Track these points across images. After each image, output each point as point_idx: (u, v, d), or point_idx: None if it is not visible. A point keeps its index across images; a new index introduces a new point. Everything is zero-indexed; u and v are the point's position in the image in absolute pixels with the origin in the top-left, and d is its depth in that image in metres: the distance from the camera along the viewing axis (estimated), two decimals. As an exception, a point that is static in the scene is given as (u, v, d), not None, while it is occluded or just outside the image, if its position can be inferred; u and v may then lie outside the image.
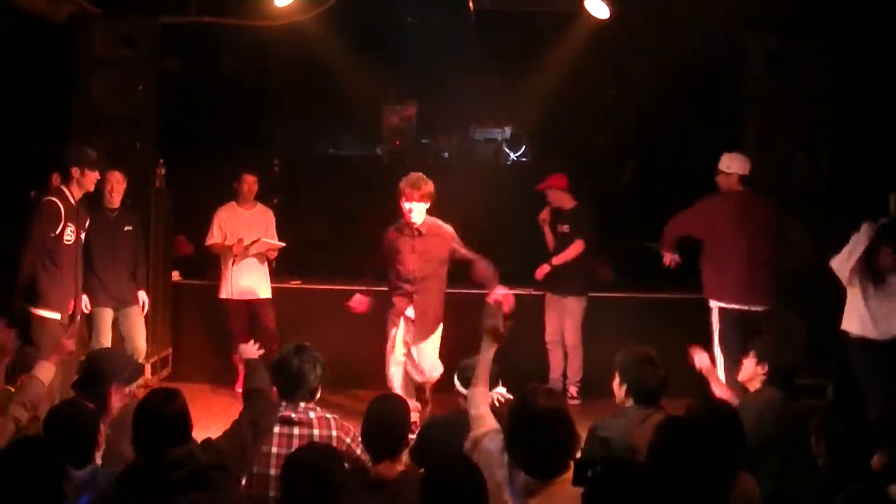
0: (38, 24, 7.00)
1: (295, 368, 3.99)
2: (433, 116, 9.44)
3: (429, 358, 6.14)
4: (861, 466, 3.38)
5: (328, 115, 9.13)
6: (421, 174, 6.05)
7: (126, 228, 6.59)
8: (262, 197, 7.49)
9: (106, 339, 6.43)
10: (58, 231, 5.48)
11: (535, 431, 3.17)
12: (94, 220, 6.35)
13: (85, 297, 6.26)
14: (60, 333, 5.48)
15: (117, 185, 6.45)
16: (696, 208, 6.30)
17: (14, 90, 6.90)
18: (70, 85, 7.15)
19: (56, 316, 5.54)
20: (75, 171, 5.58)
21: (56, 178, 5.72)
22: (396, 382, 6.16)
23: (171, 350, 7.64)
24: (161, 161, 7.37)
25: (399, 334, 6.18)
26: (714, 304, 6.23)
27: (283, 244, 7.32)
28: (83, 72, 7.15)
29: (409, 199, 5.96)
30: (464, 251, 6.12)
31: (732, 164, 6.21)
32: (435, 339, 6.21)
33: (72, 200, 5.57)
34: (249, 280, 7.23)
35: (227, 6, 7.40)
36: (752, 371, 4.45)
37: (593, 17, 7.15)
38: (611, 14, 7.06)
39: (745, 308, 6.09)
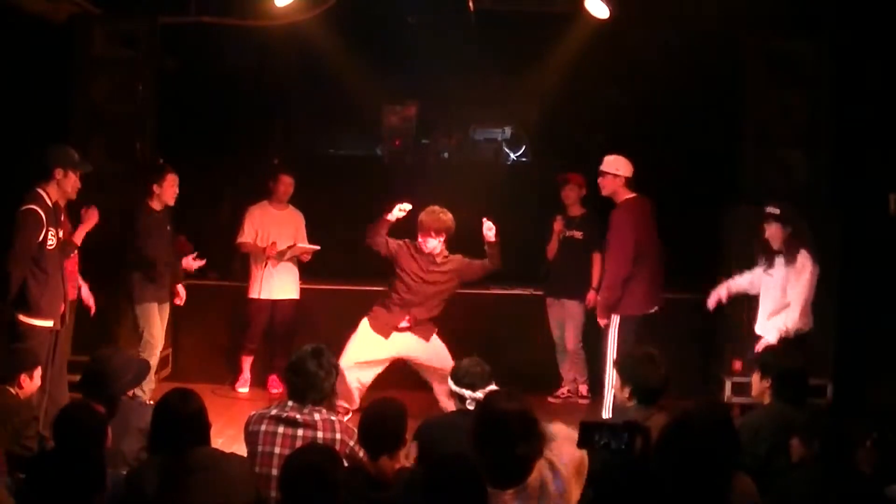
0: (38, 25, 6.99)
1: (311, 372, 3.99)
2: (433, 116, 9.44)
3: (446, 358, 6.31)
4: (849, 466, 3.39)
5: (328, 115, 9.12)
6: (442, 208, 6.37)
7: (168, 227, 6.72)
8: (261, 196, 7.50)
9: (159, 333, 6.56)
10: (41, 238, 5.40)
11: (500, 433, 3.20)
12: (147, 221, 6.47)
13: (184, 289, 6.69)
14: (50, 340, 5.47)
15: (175, 187, 6.60)
16: (627, 234, 6.18)
17: (14, 90, 6.89)
18: (70, 85, 7.14)
19: (48, 324, 5.49)
20: (59, 172, 5.49)
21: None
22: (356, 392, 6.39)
23: (171, 350, 7.64)
24: (161, 161, 7.36)
25: (386, 348, 6.38)
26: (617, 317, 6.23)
27: (318, 247, 7.32)
28: (83, 72, 7.14)
29: (428, 235, 6.29)
30: (473, 266, 6.45)
31: (622, 167, 6.29)
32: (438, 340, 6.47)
33: (49, 203, 5.46)
34: (280, 281, 7.30)
35: (227, 6, 7.39)
36: (759, 386, 4.44)
37: (593, 17, 7.15)
38: (611, 14, 7.05)
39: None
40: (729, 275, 6.88)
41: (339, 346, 6.60)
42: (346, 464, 3.71)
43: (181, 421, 3.49)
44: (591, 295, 7.17)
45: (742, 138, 7.09)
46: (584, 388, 7.34)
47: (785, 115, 6.99)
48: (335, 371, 4.08)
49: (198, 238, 7.58)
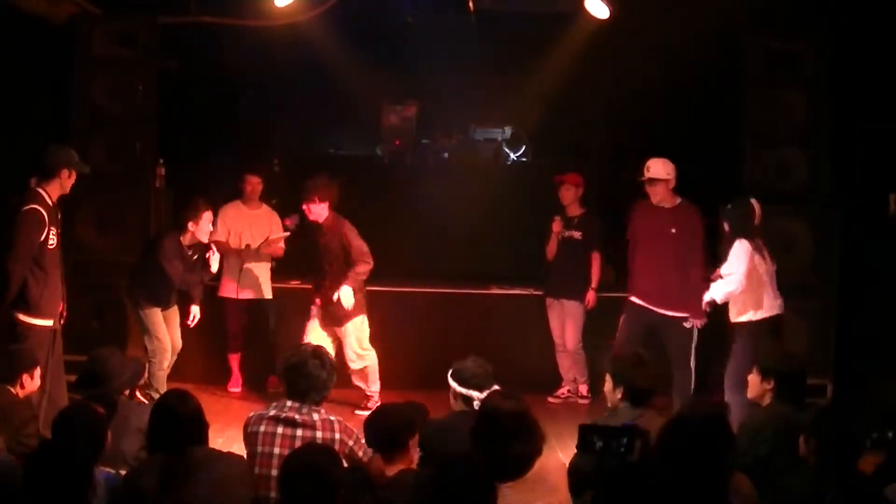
0: (38, 25, 7.00)
1: (313, 374, 4.00)
2: (433, 116, 9.44)
3: (351, 345, 6.59)
4: (848, 466, 3.40)
5: (328, 115, 9.13)
6: (325, 176, 6.55)
7: (195, 257, 6.65)
8: (261, 197, 7.49)
9: (165, 336, 6.50)
10: (42, 237, 5.37)
11: (495, 431, 3.27)
12: (171, 247, 6.40)
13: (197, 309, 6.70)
14: (49, 339, 5.47)
15: (210, 224, 6.59)
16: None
17: (14, 90, 6.89)
18: (70, 85, 7.15)
19: (48, 323, 5.47)
20: (64, 173, 5.47)
21: (33, 181, 5.50)
22: None
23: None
24: (161, 161, 7.36)
25: (315, 325, 6.62)
26: None
27: (288, 233, 7.27)
28: (83, 72, 7.14)
29: (311, 202, 6.49)
30: (354, 244, 6.52)
31: (671, 170, 6.35)
32: (357, 327, 6.61)
33: (50, 203, 5.44)
34: (252, 280, 7.24)
35: (227, 6, 7.40)
36: (758, 387, 4.43)
37: (593, 17, 7.16)
38: (611, 14, 7.06)
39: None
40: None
41: (338, 345, 6.63)
42: (345, 463, 3.71)
43: (179, 421, 3.51)
44: (590, 295, 7.17)
45: (742, 137, 7.09)
46: (584, 388, 7.34)
47: (784, 115, 6.99)
48: (335, 371, 4.08)
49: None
